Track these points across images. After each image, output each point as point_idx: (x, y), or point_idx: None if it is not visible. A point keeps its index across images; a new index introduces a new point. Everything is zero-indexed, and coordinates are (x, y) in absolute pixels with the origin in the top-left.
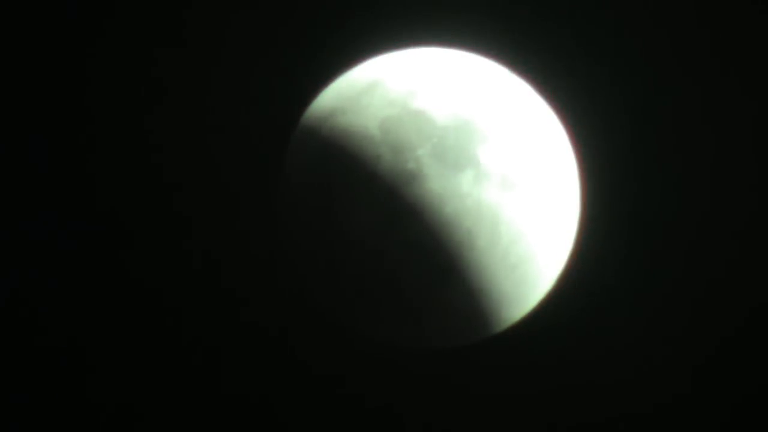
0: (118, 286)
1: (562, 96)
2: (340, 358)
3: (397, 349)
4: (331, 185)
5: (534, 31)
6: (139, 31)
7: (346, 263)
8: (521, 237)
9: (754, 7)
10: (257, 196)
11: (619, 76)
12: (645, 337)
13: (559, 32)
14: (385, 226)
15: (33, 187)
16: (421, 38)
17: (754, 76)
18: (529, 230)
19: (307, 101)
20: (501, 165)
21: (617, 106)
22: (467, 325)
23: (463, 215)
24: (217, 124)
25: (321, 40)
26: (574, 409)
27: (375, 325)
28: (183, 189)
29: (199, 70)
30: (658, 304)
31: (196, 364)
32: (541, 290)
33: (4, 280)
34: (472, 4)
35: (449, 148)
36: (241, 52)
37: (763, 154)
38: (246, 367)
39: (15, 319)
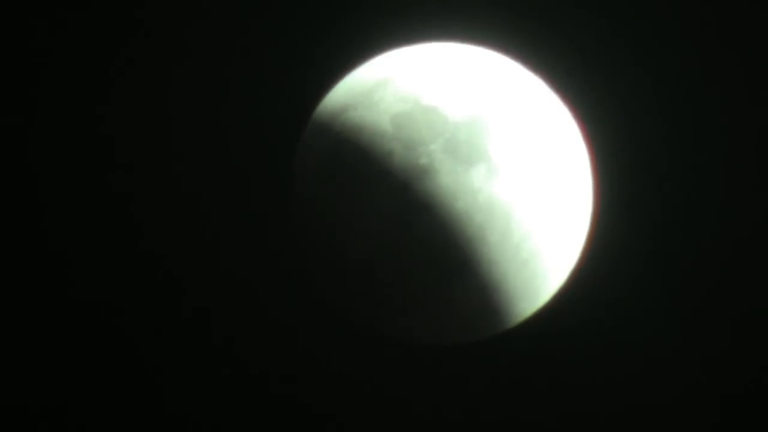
0: (125, 281)
1: (575, 91)
2: (350, 353)
3: (407, 344)
4: (343, 181)
5: (547, 25)
6: (149, 21)
7: (357, 258)
8: (533, 232)
9: None
10: (268, 192)
11: (634, 72)
12: (656, 333)
13: (572, 26)
14: (397, 221)
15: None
16: (432, 33)
17: None
18: (541, 226)
19: (318, 97)
20: (513, 160)
21: (631, 101)
22: (478, 320)
23: (475, 210)
24: (226, 120)
25: (332, 35)
26: (584, 404)
27: (385, 321)
28: (193, 185)
29: (208, 67)
30: (669, 300)
31: (203, 356)
32: (552, 285)
33: None
34: None
35: (461, 143)
36: (250, 48)
37: None
38: (252, 359)
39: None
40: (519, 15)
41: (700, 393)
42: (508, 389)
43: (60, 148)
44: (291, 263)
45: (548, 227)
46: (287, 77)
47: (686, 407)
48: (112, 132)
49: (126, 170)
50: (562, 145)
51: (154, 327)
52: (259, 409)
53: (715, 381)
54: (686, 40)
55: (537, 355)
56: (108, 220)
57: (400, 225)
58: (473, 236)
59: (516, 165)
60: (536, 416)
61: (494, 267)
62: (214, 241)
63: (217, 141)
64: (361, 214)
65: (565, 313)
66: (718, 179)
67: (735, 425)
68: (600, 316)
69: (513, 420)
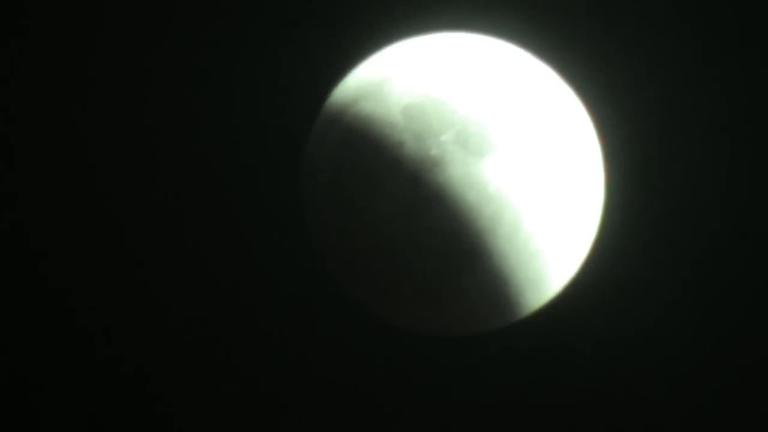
0: (128, 280)
1: (587, 82)
2: (357, 344)
3: (416, 335)
4: (354, 172)
5: (560, 15)
6: (153, 20)
7: (368, 249)
8: (543, 224)
9: None
10: (279, 183)
11: (648, 65)
12: (663, 327)
13: (584, 16)
14: (407, 212)
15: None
16: (443, 24)
17: None
18: (551, 218)
19: (329, 88)
20: (524, 152)
21: (644, 94)
22: (487, 311)
23: (485, 202)
24: (236, 112)
25: (343, 26)
26: (590, 397)
27: (395, 312)
28: (203, 177)
29: (216, 60)
30: (677, 295)
31: (210, 350)
32: (561, 278)
33: None
34: None
35: (472, 134)
36: (258, 40)
37: None
38: (256, 355)
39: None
40: (531, 4)
41: (701, 389)
42: (515, 381)
43: (60, 147)
44: (300, 253)
45: (558, 219)
46: (297, 69)
47: (687, 403)
48: (117, 131)
49: (127, 169)
50: (574, 137)
51: (155, 325)
52: (263, 404)
53: (717, 378)
54: (702, 32)
55: (545, 347)
56: (110, 218)
57: (410, 216)
58: (483, 228)
59: (527, 157)
60: (542, 408)
61: (504, 258)
62: (220, 235)
63: (225, 133)
64: (371, 206)
65: (573, 306)
66: (730, 174)
67: (737, 423)
68: (608, 310)
69: (519, 411)
